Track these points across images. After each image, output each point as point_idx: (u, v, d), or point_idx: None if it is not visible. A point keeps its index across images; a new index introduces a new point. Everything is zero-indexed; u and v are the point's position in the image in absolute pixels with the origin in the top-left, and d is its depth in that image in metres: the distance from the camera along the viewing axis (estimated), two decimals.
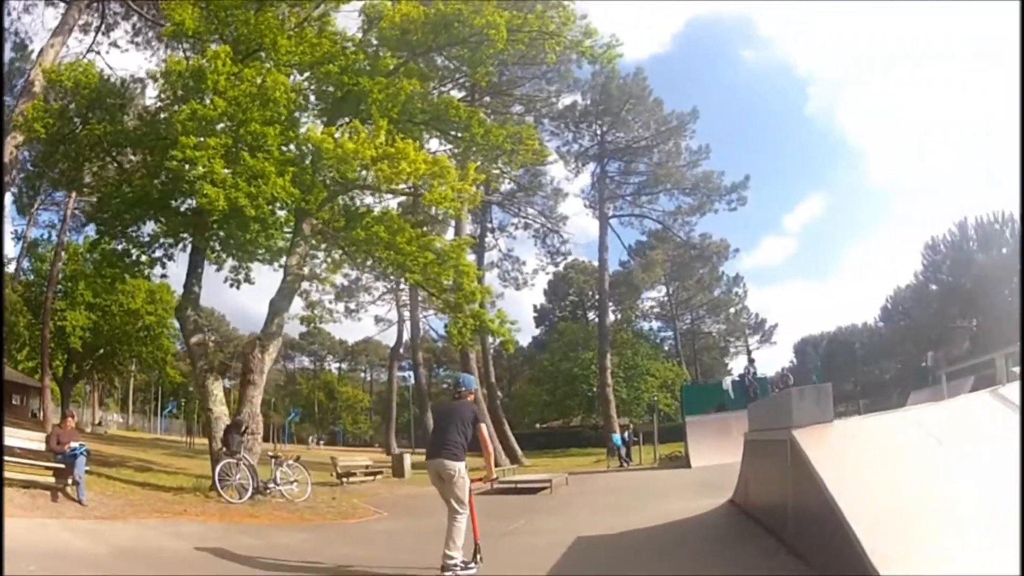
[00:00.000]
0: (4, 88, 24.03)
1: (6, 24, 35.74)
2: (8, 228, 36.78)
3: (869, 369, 73.13)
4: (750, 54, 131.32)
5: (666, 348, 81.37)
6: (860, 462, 7.35)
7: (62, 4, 31.72)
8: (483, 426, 9.45)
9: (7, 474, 12.11)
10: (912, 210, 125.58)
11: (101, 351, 53.88)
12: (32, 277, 51.46)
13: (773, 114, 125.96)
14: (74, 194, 37.84)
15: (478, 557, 9.03)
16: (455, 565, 8.46)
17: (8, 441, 13.16)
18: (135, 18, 35.56)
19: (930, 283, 64.26)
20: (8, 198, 29.77)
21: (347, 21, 47.53)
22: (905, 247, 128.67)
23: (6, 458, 12.45)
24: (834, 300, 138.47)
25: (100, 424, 59.78)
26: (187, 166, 18.28)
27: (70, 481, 13.39)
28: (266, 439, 66.92)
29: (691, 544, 10.92)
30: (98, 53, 34.85)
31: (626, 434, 42.49)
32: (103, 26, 35.69)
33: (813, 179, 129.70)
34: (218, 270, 21.65)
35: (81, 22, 32.63)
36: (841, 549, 6.02)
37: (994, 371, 23.12)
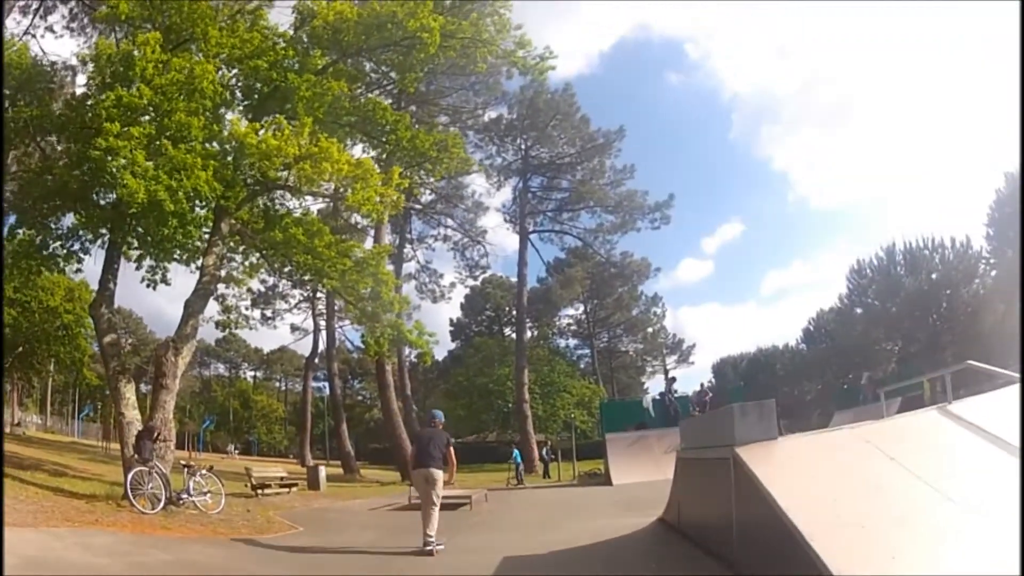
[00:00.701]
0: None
1: None
2: None
3: (789, 389, 74.19)
4: (677, 77, 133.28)
5: (582, 366, 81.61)
6: (810, 478, 7.16)
7: None
8: (452, 448, 12.95)
9: None
10: (832, 235, 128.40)
11: (20, 349, 51.74)
12: None
13: (696, 138, 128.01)
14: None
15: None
16: (434, 543, 11.91)
17: None
18: (73, 3, 34.48)
19: (855, 306, 65.46)
20: None
21: (280, 17, 46.79)
22: (825, 272, 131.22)
23: None
24: (753, 322, 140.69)
25: (19, 425, 57.34)
26: (109, 157, 17.37)
27: None
28: (180, 446, 65.31)
29: (626, 565, 10.54)
30: (34, 36, 33.67)
31: (544, 450, 42.31)
32: (41, 8, 34.55)
33: (734, 203, 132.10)
34: (137, 268, 20.74)
35: (21, 3, 31.51)
36: (793, 564, 5.85)
37: (921, 392, 23.40)
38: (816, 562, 5.22)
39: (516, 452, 39.08)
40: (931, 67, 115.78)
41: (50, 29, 34.63)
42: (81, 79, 23.79)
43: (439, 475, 12.54)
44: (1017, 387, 8.00)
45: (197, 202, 18.65)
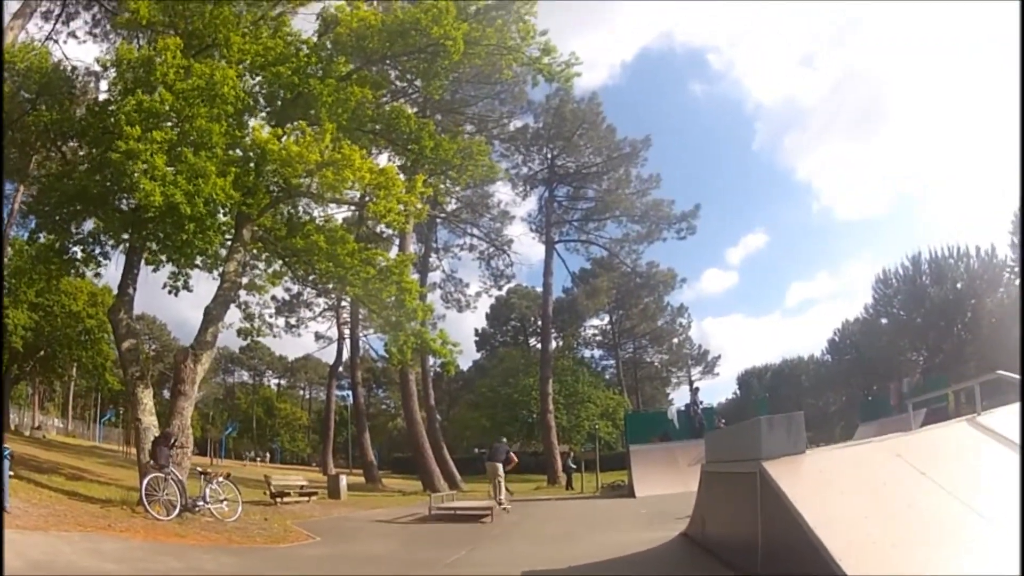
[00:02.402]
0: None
1: None
2: None
3: (814, 401, 73.54)
4: (700, 87, 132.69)
5: (607, 376, 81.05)
6: (839, 494, 6.91)
7: None
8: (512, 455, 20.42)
9: None
10: (858, 246, 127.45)
11: (42, 353, 52.22)
12: None
13: (719, 148, 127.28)
14: (22, 187, 36.79)
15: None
16: (503, 505, 21.31)
17: None
18: (96, 8, 34.63)
19: (880, 317, 64.74)
20: None
21: (303, 24, 46.95)
22: (851, 283, 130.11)
23: None
24: (777, 334, 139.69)
25: (40, 428, 57.64)
26: (129, 160, 17.32)
27: None
28: (203, 453, 66.03)
29: None
30: (56, 42, 33.98)
31: (568, 461, 41.94)
32: (63, 14, 34.77)
33: (758, 213, 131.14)
34: (155, 271, 20.71)
35: (43, 8, 31.73)
36: None
37: (945, 404, 23.04)
38: None
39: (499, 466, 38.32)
40: (954, 74, 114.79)
41: (73, 35, 34.98)
42: (104, 85, 23.92)
43: (501, 468, 24.02)
44: None
45: (216, 208, 18.56)
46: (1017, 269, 52.86)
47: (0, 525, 8.45)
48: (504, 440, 28.82)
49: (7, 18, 26.91)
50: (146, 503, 15.53)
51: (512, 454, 25.79)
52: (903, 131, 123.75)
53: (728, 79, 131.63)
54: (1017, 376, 9.00)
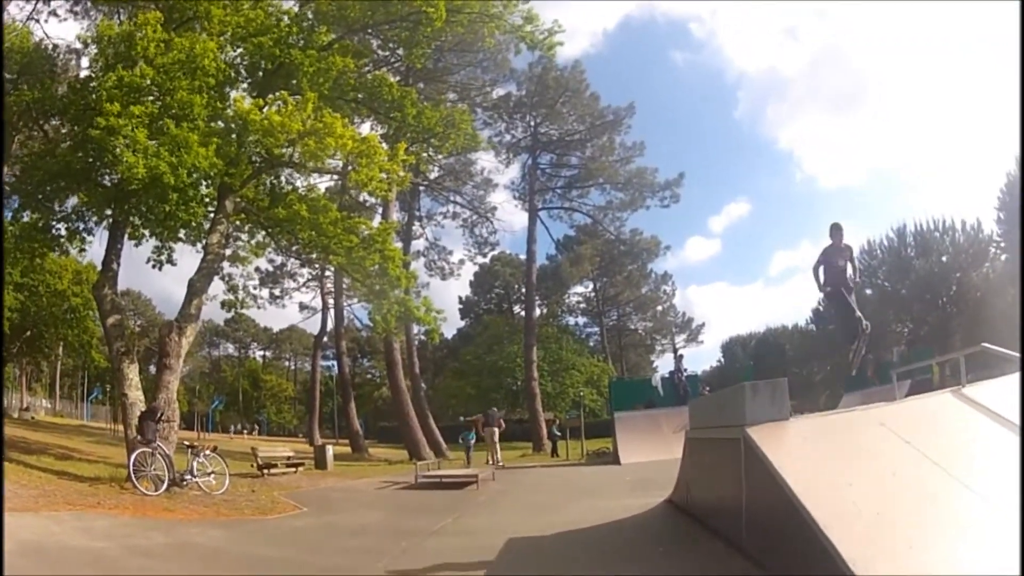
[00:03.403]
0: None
1: None
2: None
3: (798, 370, 73.78)
4: (682, 56, 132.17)
5: (591, 344, 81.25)
6: (822, 461, 6.99)
7: None
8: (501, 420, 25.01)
9: None
10: (841, 216, 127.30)
11: (28, 333, 51.97)
12: None
13: (702, 117, 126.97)
14: (5, 168, 36.53)
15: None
16: (501, 464, 29.16)
17: None
18: None
19: (865, 287, 64.91)
20: None
21: None
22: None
23: None
24: (761, 302, 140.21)
25: (27, 409, 57.59)
26: (110, 136, 17.20)
27: None
28: (190, 427, 66.01)
29: (634, 547, 10.37)
30: (37, 20, 33.54)
31: (553, 428, 42.10)
32: None
33: (740, 182, 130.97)
34: (137, 245, 20.59)
35: None
36: (805, 551, 5.72)
37: (930, 376, 23.17)
38: (831, 551, 5.04)
39: (470, 435, 38.11)
40: (941, 47, 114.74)
41: (53, 13, 34.40)
42: (85, 62, 23.71)
43: (496, 432, 30.52)
44: None
45: (199, 178, 18.46)
46: (1003, 244, 53.10)
47: (0, 526, 8.44)
48: (494, 409, 35.17)
49: None
50: (134, 479, 15.55)
51: (500, 420, 32.10)
52: (885, 103, 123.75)
53: (710, 48, 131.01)
54: (1002, 350, 9.05)
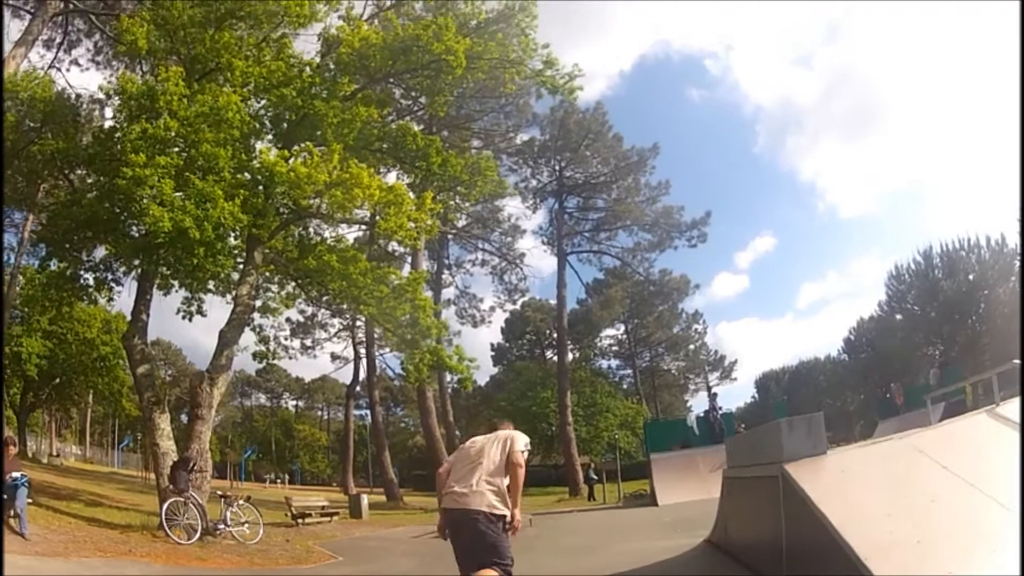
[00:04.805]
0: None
1: None
2: None
3: (832, 401, 73.10)
4: (699, 93, 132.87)
5: (625, 386, 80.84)
6: (862, 493, 6.85)
7: (27, 16, 31.02)
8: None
9: None
10: (865, 244, 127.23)
11: (57, 380, 52.25)
12: None
13: (722, 152, 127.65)
14: (31, 216, 36.97)
15: None
16: None
17: None
18: (97, 36, 34.85)
19: (895, 313, 64.23)
20: None
21: (305, 45, 47.12)
22: (861, 281, 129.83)
23: None
24: (791, 336, 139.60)
25: (57, 455, 57.65)
26: (137, 187, 17.41)
27: (11, 513, 12.58)
28: (222, 477, 65.97)
29: None
30: (59, 70, 34.23)
31: (589, 472, 41.78)
32: (65, 42, 34.99)
33: (764, 216, 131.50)
34: (165, 295, 20.81)
35: (44, 37, 31.93)
36: None
37: (963, 397, 22.87)
38: None
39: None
40: (949, 65, 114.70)
41: (75, 63, 35.14)
42: (108, 112, 24.05)
43: None
44: None
45: (226, 232, 18.61)
46: None
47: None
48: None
49: (8, 47, 27.19)
50: (166, 527, 15.60)
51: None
52: (900, 126, 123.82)
53: (726, 83, 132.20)
54: None
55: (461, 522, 6.56)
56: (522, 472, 6.71)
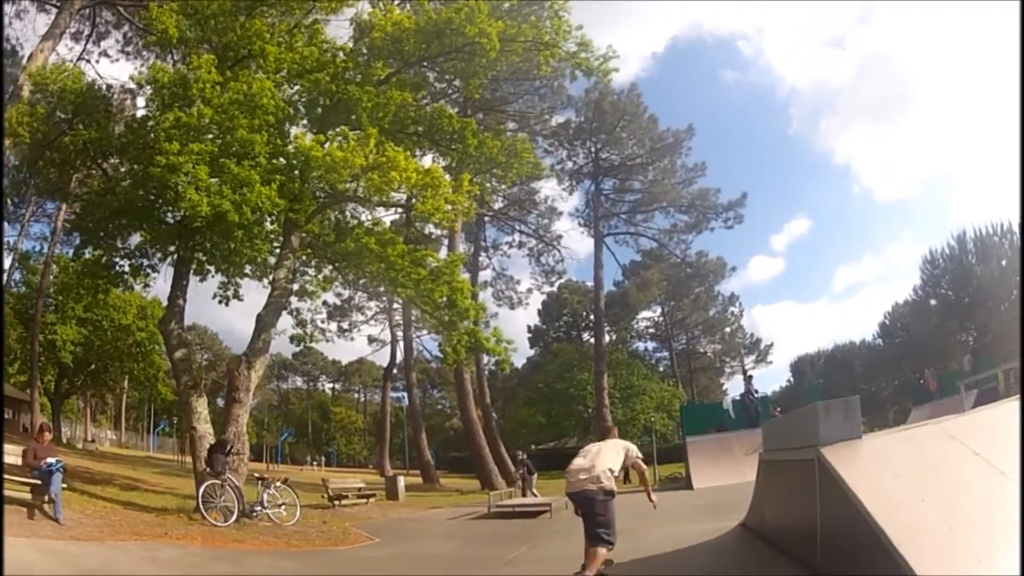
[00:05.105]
0: (4, 89, 23.48)
1: None
2: None
3: (866, 386, 72.46)
4: (732, 75, 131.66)
5: (661, 369, 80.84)
6: (896, 478, 6.80)
7: (53, 9, 31.30)
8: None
9: None
10: (900, 227, 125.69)
11: (92, 367, 53.31)
12: (23, 290, 50.54)
13: (757, 135, 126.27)
14: (64, 206, 37.44)
15: None
16: None
17: None
18: (126, 27, 35.17)
19: (929, 298, 63.52)
20: None
21: (338, 31, 47.19)
22: (896, 264, 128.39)
23: None
24: (826, 319, 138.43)
25: (92, 440, 58.41)
26: (171, 174, 17.54)
27: (46, 498, 12.77)
28: (259, 460, 66.73)
29: (708, 573, 10.22)
30: (88, 61, 34.56)
31: None
32: (94, 34, 35.37)
33: (799, 198, 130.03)
34: (201, 280, 20.99)
35: (72, 29, 32.30)
36: (880, 572, 5.61)
37: (996, 384, 22.69)
38: (902, 567, 4.96)
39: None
40: (986, 45, 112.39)
41: (105, 54, 35.54)
42: (140, 101, 24.22)
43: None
44: None
45: (263, 216, 18.77)
46: None
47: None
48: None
49: (35, 41, 27.48)
50: (203, 510, 15.74)
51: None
52: (934, 108, 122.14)
53: (759, 66, 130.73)
54: None
55: (580, 496, 9.79)
56: (646, 468, 10.78)
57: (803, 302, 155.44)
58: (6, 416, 50.01)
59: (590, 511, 9.62)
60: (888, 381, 73.67)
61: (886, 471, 6.96)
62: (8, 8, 34.61)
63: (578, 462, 10.07)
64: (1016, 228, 55.18)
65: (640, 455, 10.22)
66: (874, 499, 6.13)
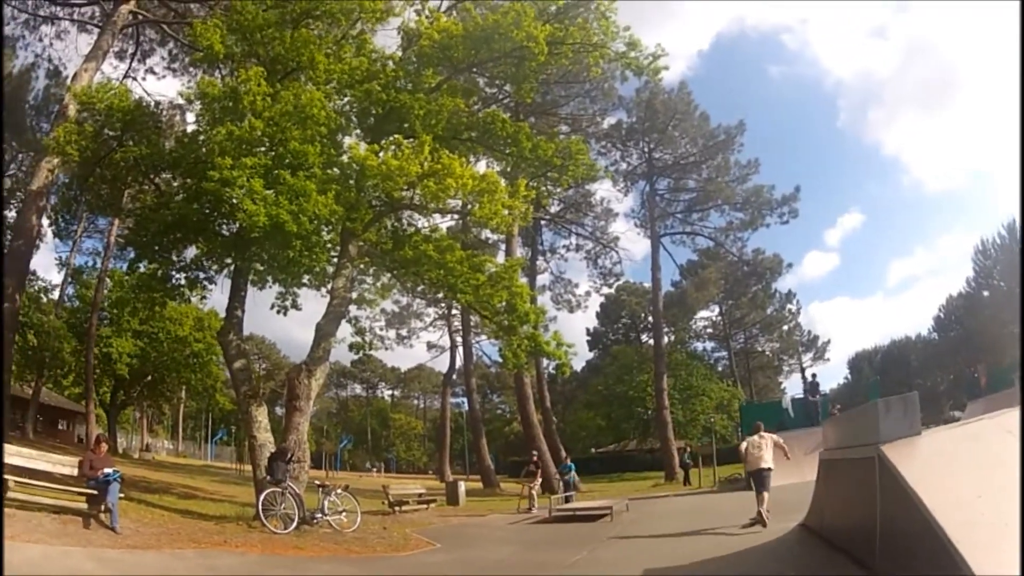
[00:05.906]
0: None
1: (38, 51, 36.61)
2: (51, 255, 37.29)
3: (922, 382, 71.32)
4: (778, 70, 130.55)
5: (720, 368, 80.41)
6: (954, 475, 6.80)
7: (95, 30, 31.91)
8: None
9: (37, 499, 11.90)
10: (951, 218, 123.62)
11: (148, 378, 54.37)
12: (77, 304, 51.89)
13: (805, 128, 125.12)
14: (117, 221, 38.14)
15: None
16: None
17: (39, 465, 12.81)
18: (171, 44, 35.70)
19: (982, 289, 62.34)
20: (45, 223, 29.57)
21: (386, 40, 47.59)
22: (948, 256, 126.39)
23: (36, 483, 12.22)
24: (882, 314, 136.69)
25: (148, 450, 59.73)
26: (225, 187, 17.75)
27: (103, 508, 12.92)
28: (318, 467, 67.32)
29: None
30: (134, 79, 35.07)
31: (684, 456, 41.48)
32: (138, 52, 35.92)
33: (851, 191, 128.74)
34: (260, 289, 21.29)
35: (116, 48, 32.84)
36: (939, 569, 5.61)
37: None
38: (960, 564, 4.96)
39: (570, 465, 37.40)
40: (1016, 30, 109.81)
41: (151, 71, 36.17)
42: (190, 116, 24.60)
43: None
44: None
45: (321, 225, 18.97)
46: None
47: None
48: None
49: (78, 62, 28.02)
50: (263, 517, 15.86)
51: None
52: (980, 96, 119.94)
53: (804, 59, 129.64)
54: None
55: (757, 472, 16.04)
56: (786, 445, 16.77)
57: (858, 297, 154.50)
58: (61, 428, 51.37)
59: (762, 479, 15.85)
60: (944, 375, 72.48)
61: (944, 467, 6.93)
62: (48, 29, 35.56)
63: (754, 452, 16.32)
64: None
65: (780, 439, 17.17)
66: (933, 496, 6.12)
